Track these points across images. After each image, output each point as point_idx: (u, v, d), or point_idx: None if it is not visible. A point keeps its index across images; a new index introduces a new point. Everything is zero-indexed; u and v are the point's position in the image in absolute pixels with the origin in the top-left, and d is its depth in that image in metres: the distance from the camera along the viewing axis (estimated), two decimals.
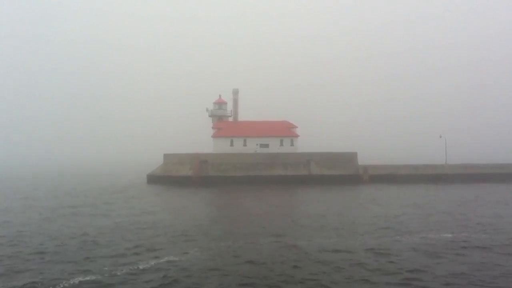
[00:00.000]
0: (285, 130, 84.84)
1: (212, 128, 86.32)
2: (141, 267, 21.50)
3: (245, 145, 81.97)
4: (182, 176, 74.19)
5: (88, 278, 19.80)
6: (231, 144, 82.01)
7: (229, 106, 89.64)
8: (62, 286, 18.83)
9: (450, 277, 19.69)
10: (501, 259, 22.75)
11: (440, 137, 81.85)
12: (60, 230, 31.66)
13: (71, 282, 19.21)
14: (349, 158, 78.21)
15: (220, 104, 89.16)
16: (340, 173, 75.38)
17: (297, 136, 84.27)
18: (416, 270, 20.67)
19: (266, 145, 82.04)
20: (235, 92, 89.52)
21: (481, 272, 20.36)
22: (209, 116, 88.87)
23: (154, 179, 76.94)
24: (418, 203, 45.62)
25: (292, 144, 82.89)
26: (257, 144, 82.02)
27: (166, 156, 79.55)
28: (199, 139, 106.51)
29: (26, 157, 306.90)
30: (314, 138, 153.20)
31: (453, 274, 20.04)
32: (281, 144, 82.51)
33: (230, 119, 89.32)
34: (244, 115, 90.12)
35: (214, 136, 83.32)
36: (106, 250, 24.97)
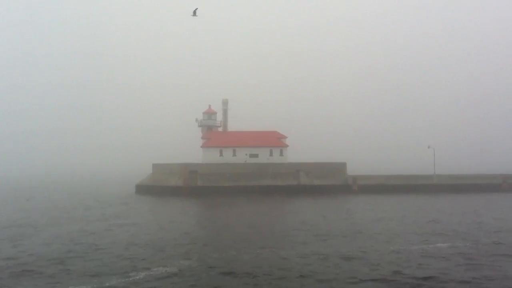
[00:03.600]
0: (275, 140, 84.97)
1: (202, 138, 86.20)
2: (131, 278, 21.26)
3: (234, 155, 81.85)
4: (171, 186, 73.75)
5: None
6: (221, 154, 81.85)
7: (219, 116, 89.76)
8: None
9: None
10: (468, 267, 22.93)
11: (429, 147, 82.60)
12: (46, 244, 31.21)
13: None
14: (339, 168, 78.52)
15: (210, 114, 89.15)
16: (330, 183, 75.57)
17: (286, 146, 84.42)
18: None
19: (256, 155, 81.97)
20: (225, 103, 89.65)
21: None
22: (199, 126, 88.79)
23: (142, 189, 76.45)
24: (404, 213, 45.90)
25: (281, 154, 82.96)
26: (246, 154, 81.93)
27: (155, 166, 79.16)
28: (188, 149, 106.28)
29: (12, 167, 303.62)
30: (304, 148, 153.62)
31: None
32: (271, 154, 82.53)
33: (220, 129, 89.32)
34: (234, 125, 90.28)
35: (204, 146, 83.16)
36: (94, 263, 24.60)
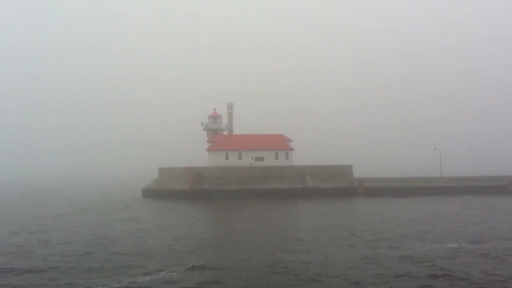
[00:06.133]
0: (280, 144, 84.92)
1: (207, 141, 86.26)
2: (139, 280, 21.42)
3: (240, 158, 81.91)
4: (178, 190, 73.90)
5: None
6: (226, 158, 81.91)
7: (224, 120, 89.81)
8: None
9: None
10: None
11: (435, 150, 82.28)
12: (59, 246, 31.43)
13: None
14: (344, 171, 78.26)
15: (215, 117, 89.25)
16: (336, 186, 75.32)
17: (292, 149, 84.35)
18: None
19: (261, 159, 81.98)
20: (230, 106, 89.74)
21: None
22: (204, 129, 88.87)
23: (149, 193, 76.57)
24: (410, 217, 45.78)
25: (287, 157, 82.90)
26: (252, 158, 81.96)
27: (161, 170, 79.26)
28: (194, 153, 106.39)
29: (14, 166, 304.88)
30: (309, 149, 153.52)
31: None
32: (276, 157, 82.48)
33: (225, 132, 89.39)
34: (239, 128, 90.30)
35: (209, 149, 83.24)
36: (103, 265, 24.77)
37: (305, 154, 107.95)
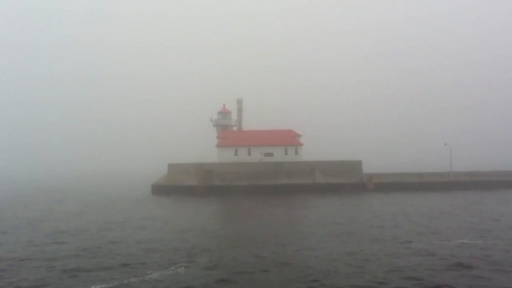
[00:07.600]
0: (290, 139, 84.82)
1: (217, 137, 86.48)
2: (147, 277, 21.57)
3: (249, 154, 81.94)
4: (187, 186, 74.20)
5: (98, 286, 20.13)
6: (236, 154, 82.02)
7: (233, 116, 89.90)
8: None
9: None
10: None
11: (445, 144, 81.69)
12: (70, 242, 31.74)
13: None
14: (354, 166, 78.11)
15: (224, 113, 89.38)
16: (345, 182, 75.19)
17: (301, 144, 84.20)
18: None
19: (271, 154, 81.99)
20: (239, 102, 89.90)
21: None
22: (213, 125, 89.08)
23: (158, 189, 76.97)
24: (422, 212, 45.56)
25: (296, 153, 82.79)
26: (261, 153, 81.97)
27: (170, 166, 79.66)
28: (203, 149, 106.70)
29: (20, 164, 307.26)
30: (319, 145, 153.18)
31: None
32: (286, 153, 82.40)
33: (235, 128, 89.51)
34: (249, 124, 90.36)
35: (219, 145, 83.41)
36: (113, 261, 24.97)
37: (314, 149, 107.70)
